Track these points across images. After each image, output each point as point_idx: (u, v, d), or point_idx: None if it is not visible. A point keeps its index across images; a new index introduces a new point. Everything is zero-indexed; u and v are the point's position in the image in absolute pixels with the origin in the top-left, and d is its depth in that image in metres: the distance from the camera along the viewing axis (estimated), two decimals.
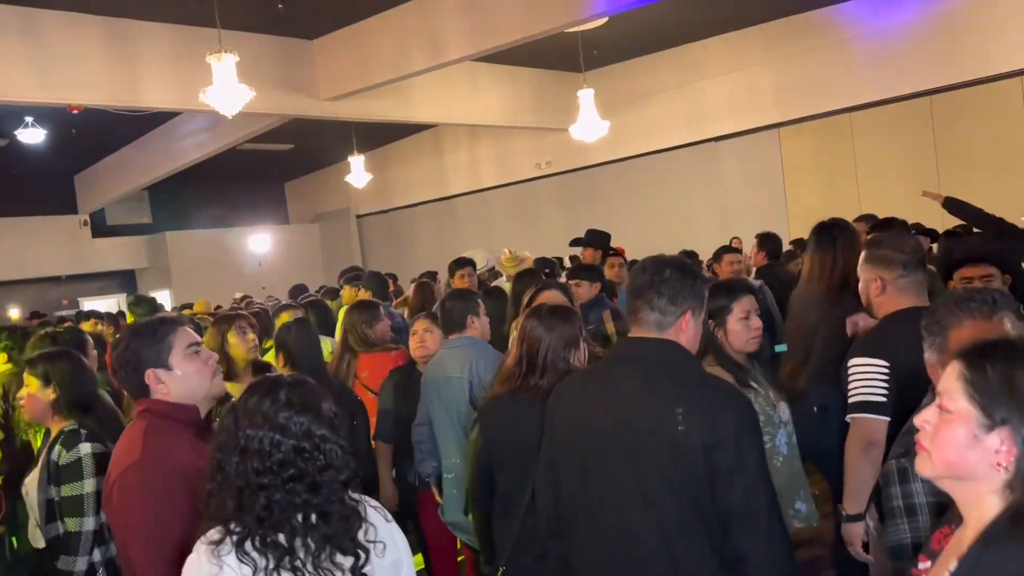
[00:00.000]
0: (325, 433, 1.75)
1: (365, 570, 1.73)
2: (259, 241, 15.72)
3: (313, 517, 1.70)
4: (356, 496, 1.80)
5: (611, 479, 2.01)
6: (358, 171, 13.08)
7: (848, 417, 2.55)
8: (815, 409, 3.12)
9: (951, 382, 1.34)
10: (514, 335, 2.85)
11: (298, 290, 8.48)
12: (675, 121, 11.84)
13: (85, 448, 2.58)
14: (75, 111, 9.18)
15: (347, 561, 1.71)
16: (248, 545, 1.66)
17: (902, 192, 9.63)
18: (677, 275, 2.05)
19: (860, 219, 5.44)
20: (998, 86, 9.24)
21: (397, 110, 10.71)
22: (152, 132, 12.35)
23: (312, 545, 1.68)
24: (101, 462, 2.50)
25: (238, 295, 11.45)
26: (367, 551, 1.73)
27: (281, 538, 1.68)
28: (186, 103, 8.57)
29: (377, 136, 14.22)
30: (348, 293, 6.56)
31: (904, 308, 2.57)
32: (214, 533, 1.69)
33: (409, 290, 7.06)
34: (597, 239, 6.37)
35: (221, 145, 11.78)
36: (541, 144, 13.38)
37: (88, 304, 14.13)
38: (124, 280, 16.18)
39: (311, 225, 17.89)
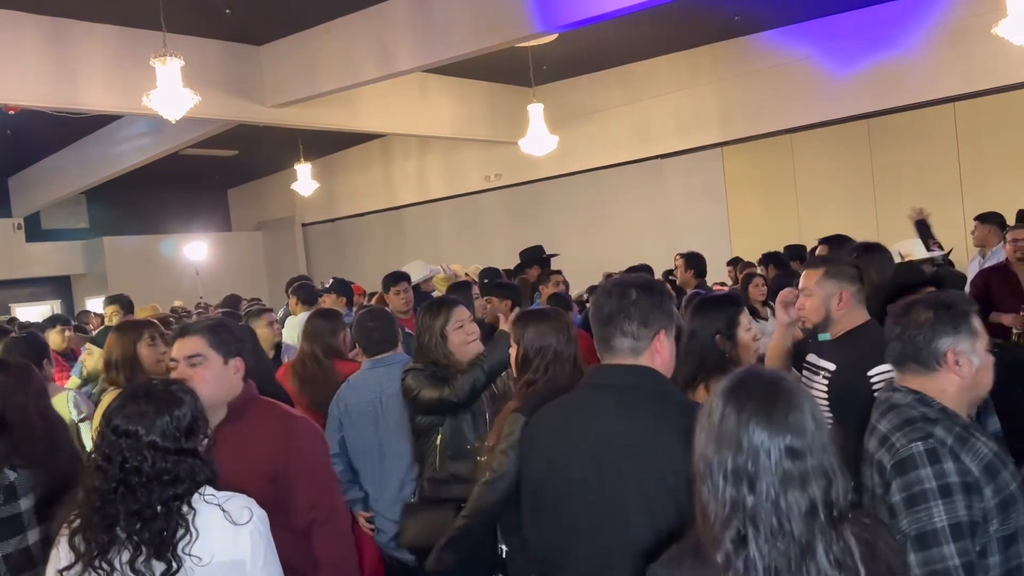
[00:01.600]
0: (155, 440, 1.85)
1: None
2: (199, 248, 15.41)
3: (136, 522, 1.81)
4: (196, 503, 1.86)
5: (591, 511, 1.96)
6: (304, 179, 12.95)
7: None
8: None
9: None
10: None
11: (232, 300, 8.33)
12: (622, 138, 12.02)
13: None
14: (12, 111, 8.92)
15: (159, 567, 1.80)
16: (78, 538, 1.83)
17: (840, 211, 9.94)
18: (644, 296, 2.01)
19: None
20: (932, 111, 9.60)
21: (345, 119, 10.65)
22: (92, 135, 12.03)
23: (131, 548, 1.80)
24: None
25: (177, 303, 11.23)
26: (180, 562, 1.80)
27: (108, 537, 1.81)
28: (128, 106, 8.39)
29: (324, 144, 14.10)
30: (333, 301, 6.25)
31: (869, 320, 2.75)
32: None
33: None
34: (530, 257, 6.45)
35: (163, 150, 11.54)
36: (490, 157, 13.43)
37: (20, 311, 13.66)
38: (58, 286, 15.68)
39: (254, 233, 17.61)
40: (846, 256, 3.24)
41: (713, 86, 11.05)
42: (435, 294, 6.40)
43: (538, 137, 10.23)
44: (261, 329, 4.69)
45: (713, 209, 11.41)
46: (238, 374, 2.46)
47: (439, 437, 3.15)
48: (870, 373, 2.59)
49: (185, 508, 1.85)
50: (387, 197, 15.25)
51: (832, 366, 2.75)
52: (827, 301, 2.74)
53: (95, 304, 13.29)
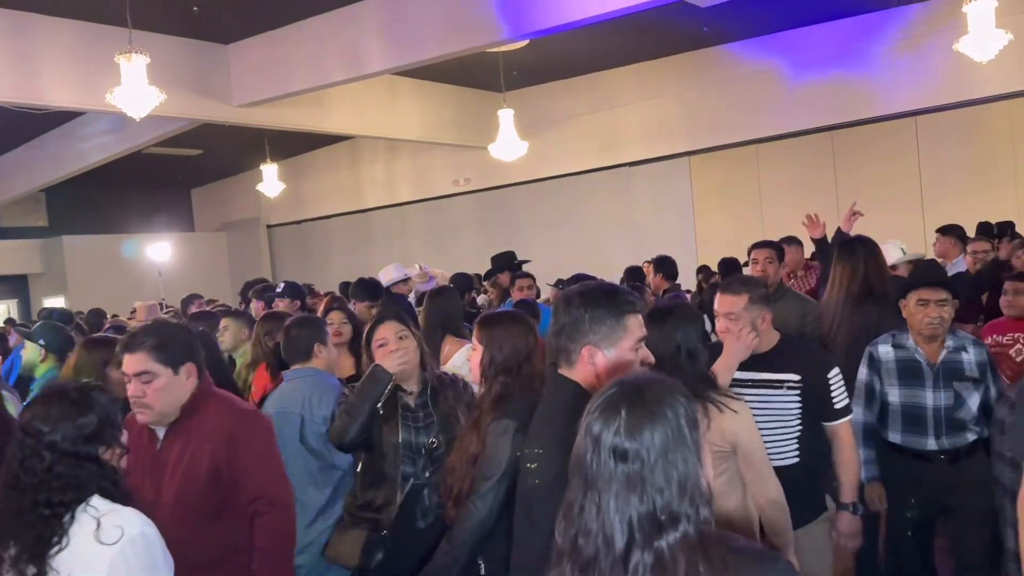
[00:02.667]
0: (55, 441, 1.83)
1: None
2: (162, 249, 15.17)
3: (20, 521, 1.80)
4: (79, 513, 1.82)
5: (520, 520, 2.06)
6: (270, 180, 12.83)
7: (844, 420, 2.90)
8: None
9: None
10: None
11: (191, 300, 8.21)
12: (590, 145, 12.08)
13: None
14: None
15: (31, 571, 1.79)
16: None
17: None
18: (582, 306, 1.97)
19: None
20: (893, 124, 9.79)
21: (313, 120, 10.57)
22: (53, 132, 11.80)
23: (14, 549, 1.79)
24: None
25: (138, 304, 11.02)
26: (45, 572, 1.78)
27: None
28: (91, 103, 8.25)
29: (291, 145, 13.98)
30: (287, 306, 6.19)
31: (784, 332, 3.05)
32: None
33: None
34: (501, 262, 6.45)
35: (126, 148, 11.35)
36: (460, 161, 13.42)
37: None
38: (15, 285, 15.34)
39: (218, 234, 17.40)
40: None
41: (680, 96, 11.16)
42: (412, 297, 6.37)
43: (508, 142, 10.24)
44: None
45: (679, 217, 11.51)
46: (191, 378, 2.47)
47: (359, 464, 3.00)
48: (829, 376, 2.88)
49: (68, 516, 1.80)
50: (355, 200, 15.16)
51: (796, 376, 2.87)
52: (755, 323, 2.88)
53: (57, 304, 13.03)
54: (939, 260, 6.54)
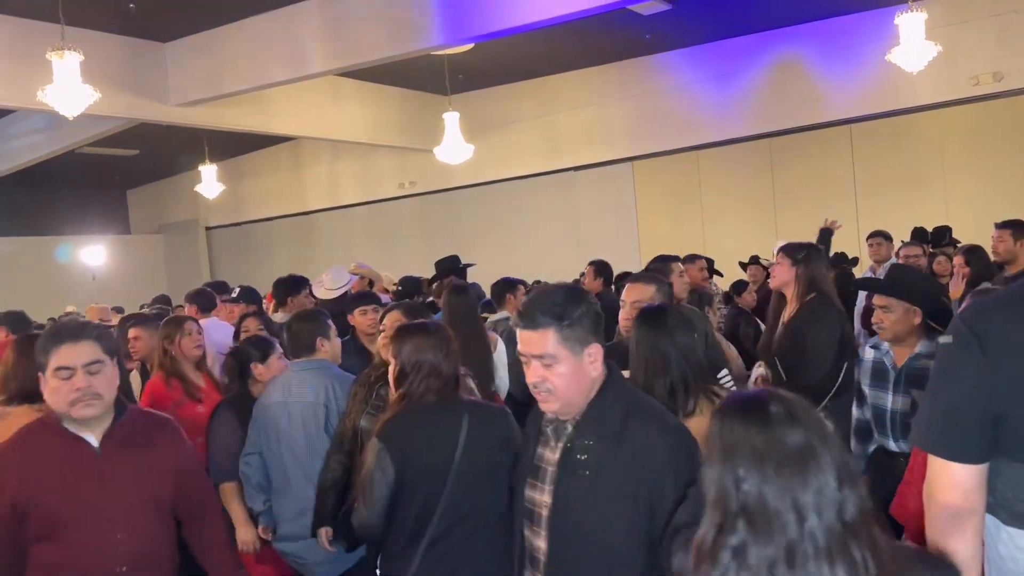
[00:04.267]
0: None
1: None
2: (96, 252, 14.71)
3: None
4: None
5: None
6: (209, 181, 12.55)
7: None
8: None
9: None
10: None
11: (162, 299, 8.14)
12: (534, 149, 12.13)
13: None
14: None
15: None
16: None
17: (742, 226, 10.30)
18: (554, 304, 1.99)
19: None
20: (828, 132, 10.05)
21: (253, 120, 10.39)
22: None
23: None
24: None
25: (70, 308, 10.70)
26: None
27: None
28: (21, 101, 8.00)
29: (231, 146, 13.72)
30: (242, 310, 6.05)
31: None
32: None
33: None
34: (446, 267, 6.44)
35: (59, 148, 11.01)
36: (404, 164, 13.34)
37: None
38: None
39: (155, 236, 16.96)
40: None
41: (624, 102, 11.29)
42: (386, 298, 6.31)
43: (453, 145, 10.21)
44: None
45: (623, 222, 11.63)
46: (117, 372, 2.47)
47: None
48: (718, 376, 3.15)
49: None
50: (297, 202, 14.95)
51: None
52: None
53: None
54: (875, 263, 6.76)
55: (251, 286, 6.53)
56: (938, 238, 7.35)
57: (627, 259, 10.60)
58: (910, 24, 7.22)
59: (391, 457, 2.43)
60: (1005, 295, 1.76)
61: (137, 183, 16.96)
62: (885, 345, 3.27)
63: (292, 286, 5.52)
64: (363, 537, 2.76)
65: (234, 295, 6.13)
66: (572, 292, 2.01)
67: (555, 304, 1.94)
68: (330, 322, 3.66)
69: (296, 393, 3.45)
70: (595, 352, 1.96)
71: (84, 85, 6.68)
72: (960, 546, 1.61)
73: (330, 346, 3.58)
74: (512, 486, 2.22)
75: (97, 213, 16.34)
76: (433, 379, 2.54)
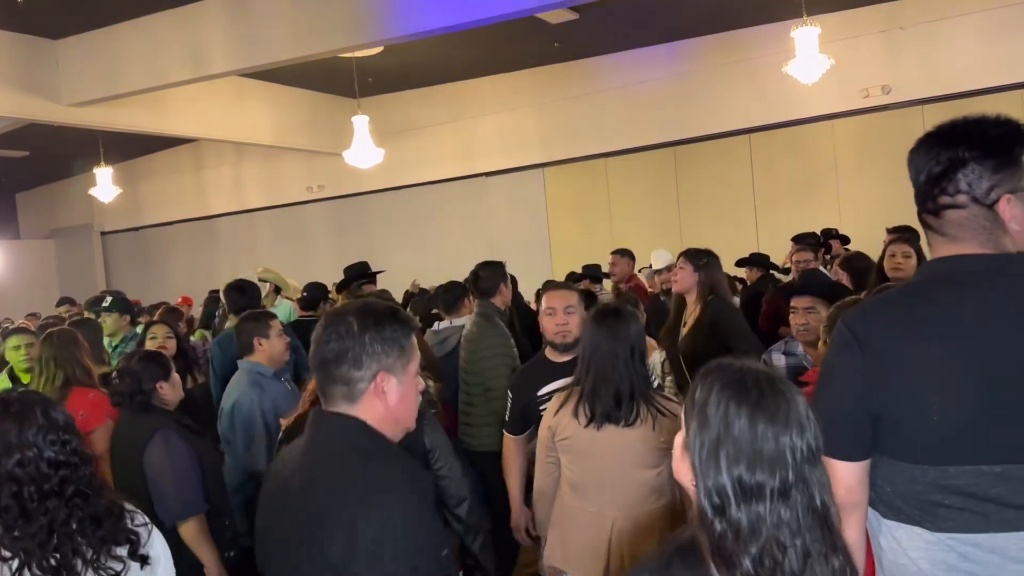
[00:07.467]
0: (68, 437, 1.84)
1: (144, 551, 1.83)
2: None
3: (88, 525, 1.78)
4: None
5: None
6: (104, 184, 12.01)
7: None
8: None
9: None
10: None
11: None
12: (447, 154, 12.10)
13: None
14: None
15: (124, 550, 1.82)
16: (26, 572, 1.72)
17: (648, 230, 10.53)
18: (358, 329, 1.65)
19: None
20: (729, 141, 10.39)
21: (151, 121, 10.01)
22: None
23: (89, 552, 1.77)
24: None
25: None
26: (138, 535, 1.85)
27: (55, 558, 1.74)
28: None
29: (128, 147, 13.17)
30: (115, 320, 5.73)
31: None
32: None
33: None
34: (355, 273, 6.38)
35: None
36: (313, 167, 13.10)
37: None
38: None
39: (46, 241, 16.15)
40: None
41: (534, 108, 11.39)
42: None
43: (363, 149, 10.07)
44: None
45: (534, 227, 11.73)
46: None
47: None
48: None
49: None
50: (198, 205, 14.48)
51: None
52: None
53: None
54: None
55: (123, 294, 6.34)
56: (827, 237, 7.61)
57: (539, 263, 10.72)
58: (805, 38, 7.54)
59: None
60: (886, 297, 1.83)
61: (28, 186, 16.12)
62: (799, 348, 3.38)
63: (355, 277, 6.02)
64: None
65: (105, 304, 5.89)
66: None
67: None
68: (273, 322, 3.73)
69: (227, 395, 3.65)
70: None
71: None
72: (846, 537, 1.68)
73: (268, 345, 3.63)
74: None
75: None
76: None
